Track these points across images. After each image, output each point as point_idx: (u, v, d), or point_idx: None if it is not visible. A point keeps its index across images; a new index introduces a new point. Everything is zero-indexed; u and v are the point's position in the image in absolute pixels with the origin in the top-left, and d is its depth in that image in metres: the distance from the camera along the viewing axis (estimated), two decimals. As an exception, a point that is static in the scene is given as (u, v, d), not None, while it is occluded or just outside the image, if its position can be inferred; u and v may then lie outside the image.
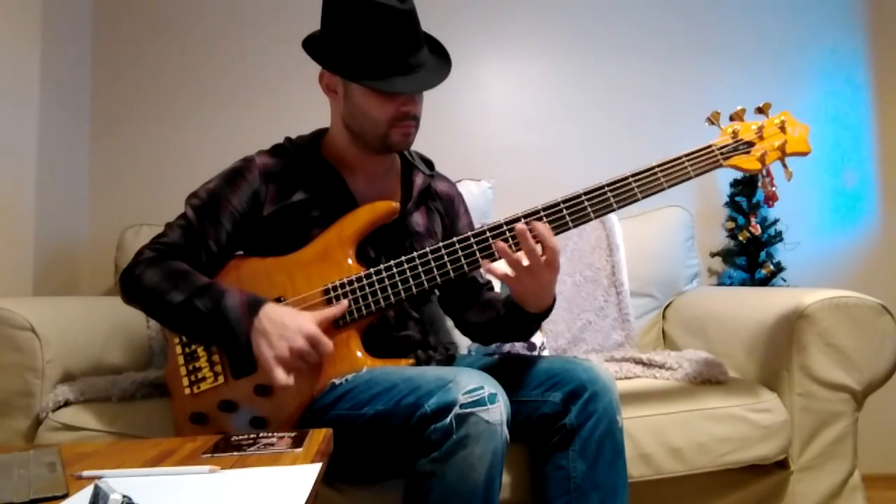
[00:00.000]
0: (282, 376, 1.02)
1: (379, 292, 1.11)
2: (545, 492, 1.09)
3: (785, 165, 1.13)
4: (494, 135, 2.21)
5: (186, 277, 1.11)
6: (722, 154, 1.11)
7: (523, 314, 1.13)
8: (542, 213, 1.09)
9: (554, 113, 2.25)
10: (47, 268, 1.90)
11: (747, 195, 2.14)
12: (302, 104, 2.16)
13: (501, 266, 1.05)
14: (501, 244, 1.04)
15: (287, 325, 1.03)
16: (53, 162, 1.93)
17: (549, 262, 1.03)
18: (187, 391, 1.15)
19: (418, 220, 1.28)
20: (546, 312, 1.14)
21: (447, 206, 1.37)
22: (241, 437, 0.92)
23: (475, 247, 1.10)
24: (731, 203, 2.18)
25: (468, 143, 2.18)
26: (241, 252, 1.25)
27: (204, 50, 2.19)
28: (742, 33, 2.29)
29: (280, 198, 1.19)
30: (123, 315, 1.70)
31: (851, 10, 2.31)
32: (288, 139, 1.28)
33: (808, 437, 1.31)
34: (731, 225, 2.16)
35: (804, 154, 1.13)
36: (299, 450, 0.83)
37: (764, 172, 1.13)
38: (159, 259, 1.14)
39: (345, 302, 1.10)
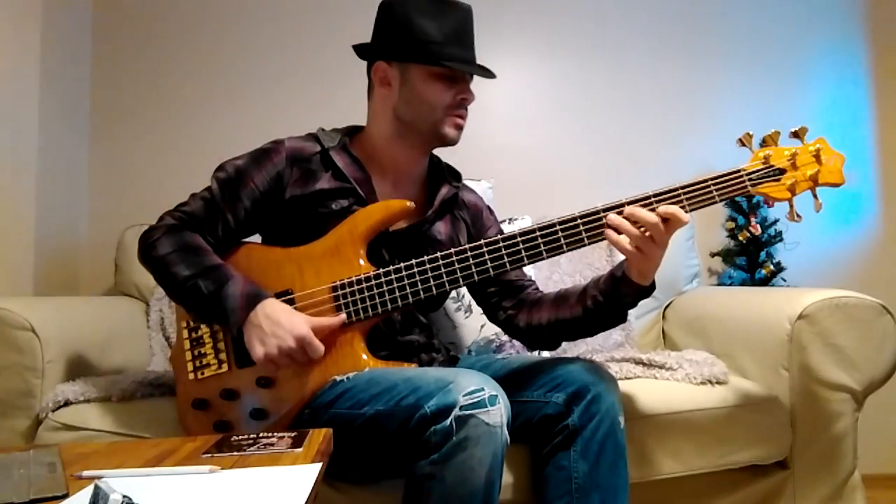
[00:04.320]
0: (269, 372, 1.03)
1: (386, 294, 1.10)
2: (546, 492, 1.09)
3: (815, 196, 1.07)
4: (494, 135, 2.21)
5: (198, 254, 1.12)
6: (751, 180, 1.06)
7: (635, 290, 1.10)
8: (558, 228, 1.07)
9: (554, 113, 2.25)
10: (47, 268, 1.90)
11: (747, 195, 2.14)
12: (303, 103, 2.17)
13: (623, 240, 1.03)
14: (614, 217, 1.03)
15: (281, 323, 1.04)
16: (53, 162, 1.93)
17: (669, 229, 1.02)
18: (191, 376, 1.16)
19: (440, 228, 1.28)
20: (654, 284, 1.12)
21: (474, 217, 1.37)
22: (241, 437, 0.92)
23: (487, 255, 1.09)
24: (731, 203, 2.18)
25: (468, 143, 2.15)
26: (257, 236, 1.25)
27: (204, 50, 2.19)
28: (743, 34, 2.29)
29: (304, 183, 1.20)
30: (123, 315, 1.70)
31: (852, 10, 2.31)
32: (321, 129, 1.28)
33: (808, 437, 1.31)
34: (731, 225, 2.16)
35: (837, 185, 1.06)
36: (299, 450, 0.83)
37: (791, 203, 1.07)
38: (178, 228, 1.16)
39: (343, 315, 1.10)
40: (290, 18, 2.21)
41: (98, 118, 2.15)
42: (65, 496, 0.68)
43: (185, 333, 1.19)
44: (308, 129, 1.31)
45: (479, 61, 1.24)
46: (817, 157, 1.06)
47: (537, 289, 1.32)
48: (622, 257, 1.08)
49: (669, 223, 1.02)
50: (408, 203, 1.16)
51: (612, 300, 1.14)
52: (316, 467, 0.75)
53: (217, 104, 2.18)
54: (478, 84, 2.30)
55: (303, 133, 1.28)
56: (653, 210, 1.02)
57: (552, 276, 1.76)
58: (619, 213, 1.04)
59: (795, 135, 1.09)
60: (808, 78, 2.29)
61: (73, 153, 2.07)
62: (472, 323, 1.62)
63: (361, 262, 1.14)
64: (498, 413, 0.92)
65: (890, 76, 2.29)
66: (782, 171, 1.06)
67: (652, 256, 1.04)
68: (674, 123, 2.24)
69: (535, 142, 2.22)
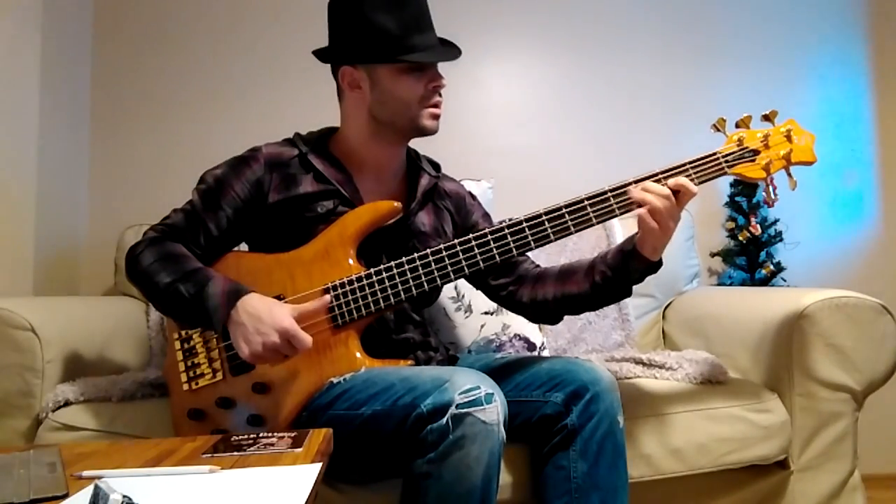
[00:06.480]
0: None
1: (379, 293, 1.10)
2: (545, 492, 1.09)
3: (790, 175, 1.11)
4: (494, 135, 2.21)
5: (178, 261, 1.12)
6: (727, 162, 1.10)
7: (645, 265, 1.11)
8: (545, 218, 1.09)
9: (554, 113, 2.24)
10: (47, 268, 1.90)
11: (747, 195, 2.14)
12: (302, 104, 2.16)
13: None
14: (638, 193, 1.07)
15: (263, 319, 1.03)
16: (53, 162, 1.93)
17: (681, 201, 1.07)
18: (185, 387, 1.16)
19: (424, 219, 1.28)
20: (661, 261, 1.14)
21: (457, 204, 1.37)
22: (241, 437, 0.92)
23: (476, 249, 1.10)
24: (731, 203, 2.18)
25: (468, 143, 2.18)
26: (244, 244, 1.26)
27: (204, 50, 2.19)
28: (742, 33, 2.29)
29: (286, 188, 1.20)
30: (123, 315, 1.70)
31: (852, 10, 2.31)
32: (297, 134, 1.28)
33: (808, 437, 1.31)
34: (731, 225, 2.16)
35: (809, 163, 1.11)
36: (299, 450, 0.83)
37: (768, 181, 1.11)
38: (160, 240, 1.16)
39: (327, 297, 1.10)
40: (290, 19, 2.20)
41: (98, 118, 2.15)
42: (65, 496, 0.68)
43: (178, 345, 1.18)
44: (312, 127, 1.32)
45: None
46: (788, 137, 1.11)
47: (535, 264, 1.33)
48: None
49: (680, 195, 1.06)
50: (395, 204, 1.16)
51: (620, 275, 1.15)
52: (316, 467, 0.75)
53: (217, 104, 2.18)
54: (478, 85, 2.28)
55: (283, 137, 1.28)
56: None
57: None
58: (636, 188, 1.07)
59: (766, 118, 1.13)
60: (809, 78, 2.29)
61: (73, 153, 2.07)
62: (472, 323, 1.62)
63: (351, 262, 1.14)
64: (494, 411, 0.93)
65: (890, 77, 2.29)
66: (756, 152, 1.11)
67: (666, 230, 1.06)
68: (674, 123, 2.23)
69: (535, 142, 2.22)
